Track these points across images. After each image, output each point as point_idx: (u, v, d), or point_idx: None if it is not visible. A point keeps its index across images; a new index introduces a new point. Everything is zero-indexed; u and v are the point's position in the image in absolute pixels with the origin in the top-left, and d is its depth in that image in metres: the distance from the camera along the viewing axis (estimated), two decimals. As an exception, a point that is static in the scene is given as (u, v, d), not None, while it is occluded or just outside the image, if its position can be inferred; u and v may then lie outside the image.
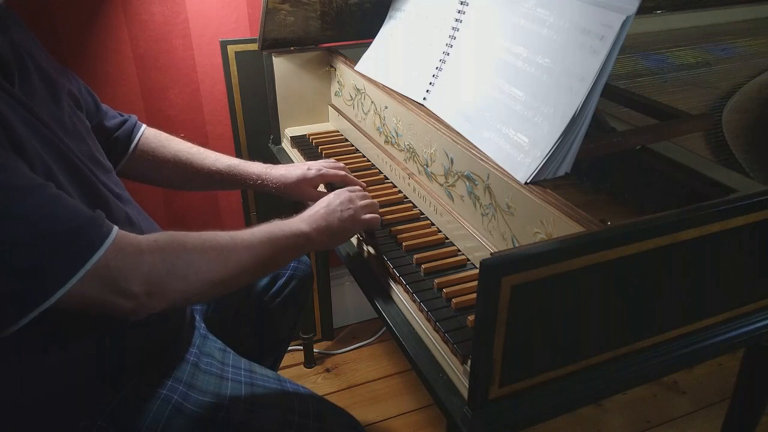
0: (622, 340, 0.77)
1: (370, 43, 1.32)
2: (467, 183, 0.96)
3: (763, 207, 0.75)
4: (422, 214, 1.11)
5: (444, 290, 0.88)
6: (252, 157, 1.20)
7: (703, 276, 0.78)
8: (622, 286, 0.72)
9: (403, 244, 1.00)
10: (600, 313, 0.73)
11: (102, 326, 0.83)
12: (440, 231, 1.05)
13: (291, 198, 1.19)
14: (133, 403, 0.88)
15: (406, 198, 1.17)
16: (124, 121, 1.10)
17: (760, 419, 1.02)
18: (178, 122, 1.56)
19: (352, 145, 1.40)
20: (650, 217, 0.69)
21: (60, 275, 0.68)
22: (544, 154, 0.82)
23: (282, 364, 1.44)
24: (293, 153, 1.44)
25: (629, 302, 0.74)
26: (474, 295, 0.85)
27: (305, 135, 1.47)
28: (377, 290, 0.97)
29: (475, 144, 0.94)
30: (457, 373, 0.77)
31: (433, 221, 1.08)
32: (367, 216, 0.99)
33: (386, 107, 1.20)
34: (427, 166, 1.08)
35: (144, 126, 1.13)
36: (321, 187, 1.20)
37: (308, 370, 1.90)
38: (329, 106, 1.51)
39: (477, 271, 0.80)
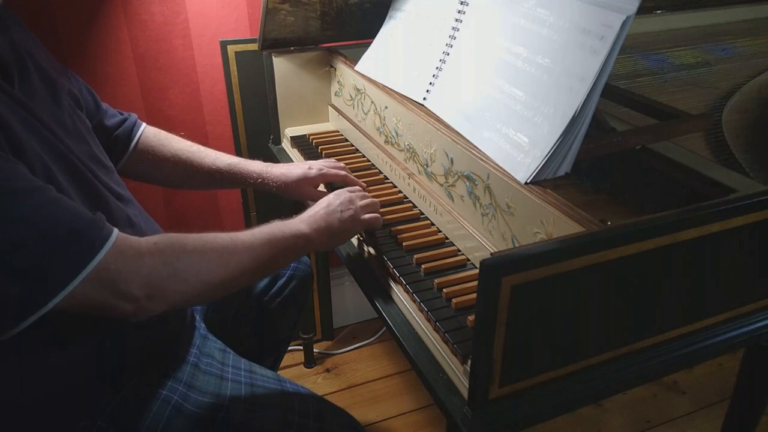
0: (622, 340, 0.77)
1: (370, 43, 1.32)
2: (467, 183, 0.96)
3: (763, 207, 0.75)
4: (422, 214, 1.11)
5: (444, 290, 0.88)
6: (252, 157, 1.20)
7: (703, 276, 0.78)
8: (622, 286, 0.72)
9: (403, 244, 1.00)
10: (600, 313, 0.73)
11: (102, 328, 0.83)
12: (440, 231, 1.05)
13: (291, 197, 1.18)
14: (133, 404, 0.88)
15: (406, 198, 1.17)
16: (124, 120, 1.10)
17: (760, 419, 1.02)
18: (178, 122, 1.56)
19: (352, 145, 1.40)
20: (650, 217, 0.69)
21: (60, 278, 0.68)
22: (544, 154, 0.82)
23: (282, 364, 1.44)
24: (293, 153, 1.44)
25: (629, 302, 0.74)
26: (474, 295, 0.85)
27: (305, 135, 1.47)
28: (377, 290, 0.96)
29: (475, 144, 0.94)
30: (457, 373, 0.77)
31: (433, 221, 1.08)
32: (367, 216, 0.99)
33: (386, 107, 1.20)
34: (427, 166, 1.08)
35: (144, 124, 1.13)
36: (321, 187, 1.20)
37: (308, 370, 1.90)
38: (329, 106, 1.51)
39: (477, 271, 0.80)
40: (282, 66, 1.42)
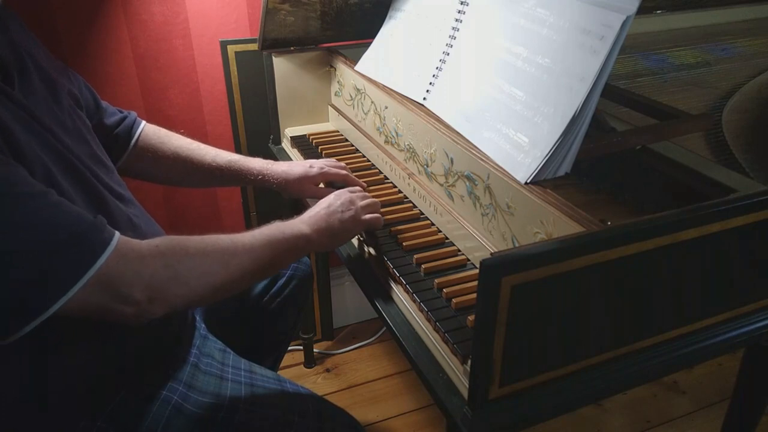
0: (622, 340, 0.77)
1: (370, 43, 1.32)
2: (467, 183, 0.96)
3: (763, 207, 0.75)
4: (422, 214, 1.11)
5: (444, 290, 0.88)
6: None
7: (703, 276, 0.78)
8: (622, 286, 0.72)
9: (403, 244, 1.00)
10: (600, 314, 0.73)
11: (103, 330, 0.83)
12: (440, 231, 1.05)
13: (291, 195, 1.18)
14: (132, 404, 0.88)
15: (406, 198, 1.17)
16: (124, 118, 1.10)
17: (760, 419, 1.02)
18: (178, 122, 1.56)
19: (352, 145, 1.40)
20: (650, 217, 0.69)
21: (61, 283, 0.68)
22: (544, 154, 0.82)
23: (282, 364, 1.44)
24: (293, 153, 1.44)
25: (629, 302, 0.74)
26: (474, 295, 0.85)
27: (305, 135, 1.47)
28: (377, 290, 0.96)
29: (475, 144, 0.94)
30: (457, 373, 0.77)
31: (433, 221, 1.08)
32: (368, 216, 0.99)
33: (386, 107, 1.20)
34: (427, 166, 1.08)
35: (143, 122, 1.12)
36: (321, 186, 1.20)
37: (308, 370, 1.90)
38: (329, 106, 1.51)
39: (477, 271, 0.80)
40: (282, 66, 1.42)
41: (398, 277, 0.93)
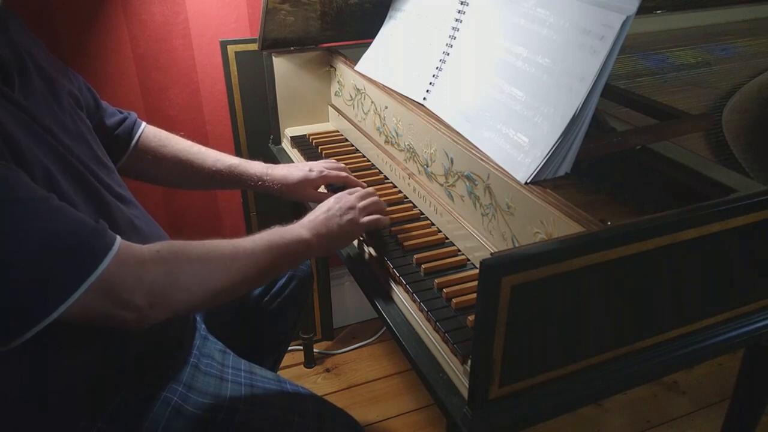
0: (622, 340, 0.77)
1: (370, 43, 1.32)
2: (467, 183, 0.96)
3: (763, 207, 0.75)
4: (422, 214, 1.11)
5: (444, 290, 0.88)
6: (252, 157, 1.20)
7: (703, 276, 0.78)
8: (622, 286, 0.72)
9: (404, 244, 1.00)
10: (600, 314, 0.73)
11: (104, 333, 0.82)
12: (440, 231, 1.05)
13: (292, 199, 1.18)
14: (132, 405, 0.88)
15: (406, 198, 1.17)
16: (124, 119, 1.10)
17: (760, 419, 1.02)
18: (178, 122, 1.56)
19: (352, 145, 1.40)
20: (650, 217, 0.69)
21: (62, 290, 0.68)
22: (544, 154, 0.82)
23: (282, 364, 1.44)
24: (293, 153, 1.44)
25: (629, 302, 0.74)
26: (474, 295, 0.85)
27: (305, 135, 1.47)
28: (377, 290, 0.96)
29: (475, 144, 0.94)
30: (457, 373, 0.77)
31: (433, 221, 1.08)
32: (367, 219, 0.98)
33: (386, 107, 1.20)
34: (427, 166, 1.08)
35: (144, 123, 1.12)
36: (322, 188, 1.20)
37: (308, 370, 1.90)
38: (329, 106, 1.51)
39: (477, 271, 0.80)
40: (282, 66, 1.42)
41: (398, 277, 0.93)
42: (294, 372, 1.89)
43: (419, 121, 1.08)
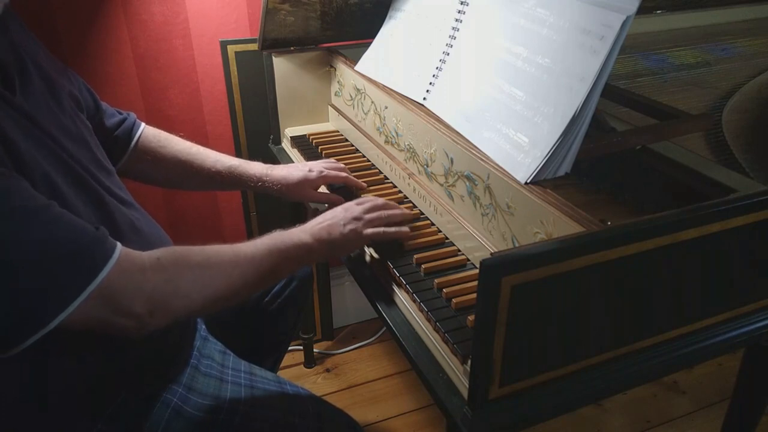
0: (622, 340, 0.77)
1: (370, 43, 1.32)
2: (467, 183, 0.96)
3: (763, 207, 0.75)
4: (422, 214, 1.11)
5: (444, 290, 0.88)
6: (252, 157, 1.19)
7: (703, 276, 0.78)
8: (622, 286, 0.72)
9: (404, 244, 1.00)
10: (600, 313, 0.73)
11: (104, 338, 0.82)
12: (440, 231, 1.05)
13: (292, 199, 1.18)
14: (132, 405, 0.88)
15: (406, 198, 1.17)
16: (124, 120, 1.09)
17: (760, 419, 1.02)
18: (178, 122, 1.56)
19: (352, 145, 1.40)
20: (650, 217, 0.69)
21: (62, 298, 0.68)
22: (544, 154, 0.82)
23: (282, 364, 1.44)
24: (293, 153, 1.44)
25: (629, 302, 0.74)
26: (474, 295, 0.85)
27: (305, 135, 1.47)
28: (377, 290, 0.96)
29: (475, 144, 0.94)
30: (457, 373, 0.77)
31: (433, 221, 1.08)
32: (370, 231, 0.96)
33: (386, 107, 1.20)
34: (427, 166, 1.08)
35: (143, 124, 1.12)
36: (322, 188, 1.20)
37: (308, 370, 1.90)
38: (329, 106, 1.51)
39: (477, 271, 0.80)
40: (282, 66, 1.42)
41: (398, 277, 0.93)
42: (294, 372, 1.89)
43: (419, 121, 1.08)
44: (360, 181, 1.19)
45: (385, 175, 1.25)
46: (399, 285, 0.93)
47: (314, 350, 1.91)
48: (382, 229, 0.97)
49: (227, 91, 1.55)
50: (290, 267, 0.90)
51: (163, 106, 1.53)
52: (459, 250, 1.00)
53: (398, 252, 0.98)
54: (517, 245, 0.86)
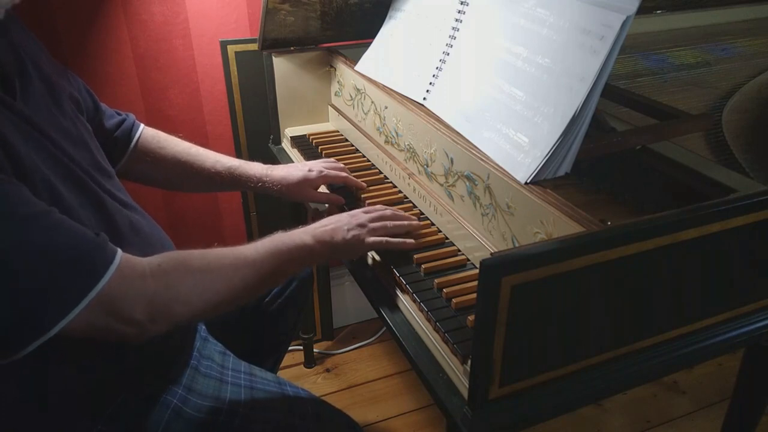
0: (622, 340, 0.77)
1: (370, 43, 1.32)
2: (467, 183, 0.96)
3: (763, 207, 0.75)
4: (422, 214, 1.11)
5: (444, 290, 0.88)
6: (252, 157, 1.19)
7: (703, 276, 0.78)
8: (622, 286, 0.72)
9: (409, 253, 1.00)
10: (600, 314, 0.73)
11: (105, 345, 0.82)
12: (440, 231, 1.05)
13: (292, 200, 1.18)
14: (132, 406, 0.88)
15: (406, 198, 1.17)
16: (123, 121, 1.09)
17: (760, 419, 1.02)
18: (178, 122, 1.56)
19: (352, 145, 1.40)
20: (650, 217, 0.69)
21: (63, 305, 0.68)
22: (544, 154, 0.82)
23: (282, 364, 1.44)
24: (293, 153, 1.44)
25: (629, 302, 0.74)
26: (474, 295, 0.85)
27: (305, 135, 1.47)
28: (377, 290, 0.96)
29: (475, 144, 0.94)
30: (457, 373, 0.77)
31: (433, 221, 1.08)
32: (373, 240, 0.96)
33: (386, 107, 1.20)
34: (427, 166, 1.08)
35: (142, 125, 1.12)
36: (322, 188, 1.20)
37: (308, 370, 1.90)
38: (329, 106, 1.51)
39: (477, 271, 0.80)
40: (282, 66, 1.42)
41: (398, 277, 0.93)
42: (294, 372, 1.89)
43: (419, 121, 1.08)
44: (360, 181, 1.19)
45: (385, 175, 1.25)
46: (399, 285, 0.93)
47: (314, 350, 1.91)
48: (384, 238, 0.97)
49: (227, 91, 1.55)
50: (291, 269, 0.90)
51: (163, 106, 1.53)
52: (459, 250, 1.00)
53: (401, 257, 0.98)
54: (517, 245, 0.86)
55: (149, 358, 0.90)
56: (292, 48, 1.43)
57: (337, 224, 0.95)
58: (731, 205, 0.73)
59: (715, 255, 0.77)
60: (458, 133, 0.98)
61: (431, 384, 0.79)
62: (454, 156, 0.98)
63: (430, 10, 1.18)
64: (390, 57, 1.25)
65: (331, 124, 1.52)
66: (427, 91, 1.11)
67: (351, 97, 1.38)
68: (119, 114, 1.10)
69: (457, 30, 1.10)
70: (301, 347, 1.89)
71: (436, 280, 0.90)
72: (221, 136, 1.62)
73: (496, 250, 0.82)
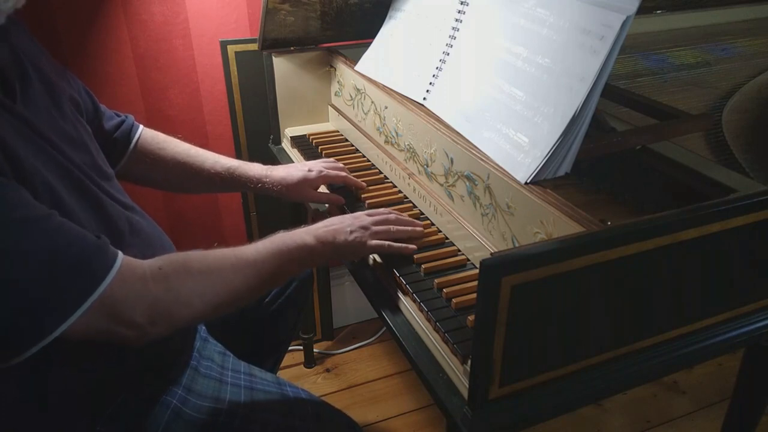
0: (622, 340, 0.77)
1: (370, 43, 1.32)
2: (467, 183, 0.96)
3: (763, 207, 0.75)
4: (422, 214, 1.11)
5: (444, 290, 0.88)
6: (252, 157, 1.19)
7: (703, 276, 0.78)
8: (622, 286, 0.72)
9: (410, 258, 1.00)
10: (600, 313, 0.73)
11: (105, 347, 0.82)
12: (440, 231, 1.05)
13: (292, 200, 1.18)
14: (132, 406, 0.88)
15: (406, 198, 1.17)
16: (122, 122, 1.09)
17: (760, 419, 1.02)
18: (178, 122, 1.56)
19: (352, 145, 1.40)
20: (650, 217, 0.69)
21: (64, 309, 0.67)
22: (544, 154, 0.82)
23: (282, 364, 1.44)
24: (293, 153, 1.44)
25: (629, 302, 0.74)
26: (474, 295, 0.85)
27: (305, 135, 1.47)
28: (377, 290, 0.96)
29: (475, 144, 0.94)
30: (457, 373, 0.77)
31: (433, 221, 1.08)
32: (375, 243, 0.96)
33: (386, 107, 1.20)
34: (427, 166, 1.08)
35: (141, 126, 1.12)
36: (322, 188, 1.20)
37: (308, 370, 1.90)
38: (329, 106, 1.51)
39: (477, 271, 0.80)
40: (282, 66, 1.42)
41: (398, 277, 0.93)
42: (294, 372, 1.89)
43: (419, 121, 1.08)
44: (360, 181, 1.19)
45: (385, 175, 1.25)
46: (399, 285, 0.93)
47: (314, 350, 1.91)
48: (386, 243, 0.96)
49: (227, 91, 1.55)
50: (292, 269, 0.90)
51: (163, 106, 1.53)
52: (459, 250, 1.00)
53: (402, 258, 0.98)
54: (517, 245, 0.86)
55: (149, 358, 0.90)
56: (292, 48, 1.43)
57: (340, 225, 0.95)
58: (731, 205, 0.73)
59: (715, 255, 0.77)
60: (458, 133, 0.98)
61: (431, 384, 0.79)
62: (454, 156, 0.98)
63: (430, 10, 1.18)
64: (390, 57, 1.25)
65: (331, 124, 1.52)
66: (427, 91, 1.11)
67: (351, 97, 1.38)
68: (118, 115, 1.10)
69: (457, 30, 1.10)
70: (301, 347, 1.89)
71: (436, 280, 0.90)
72: (221, 136, 1.62)
73: (496, 250, 0.82)
